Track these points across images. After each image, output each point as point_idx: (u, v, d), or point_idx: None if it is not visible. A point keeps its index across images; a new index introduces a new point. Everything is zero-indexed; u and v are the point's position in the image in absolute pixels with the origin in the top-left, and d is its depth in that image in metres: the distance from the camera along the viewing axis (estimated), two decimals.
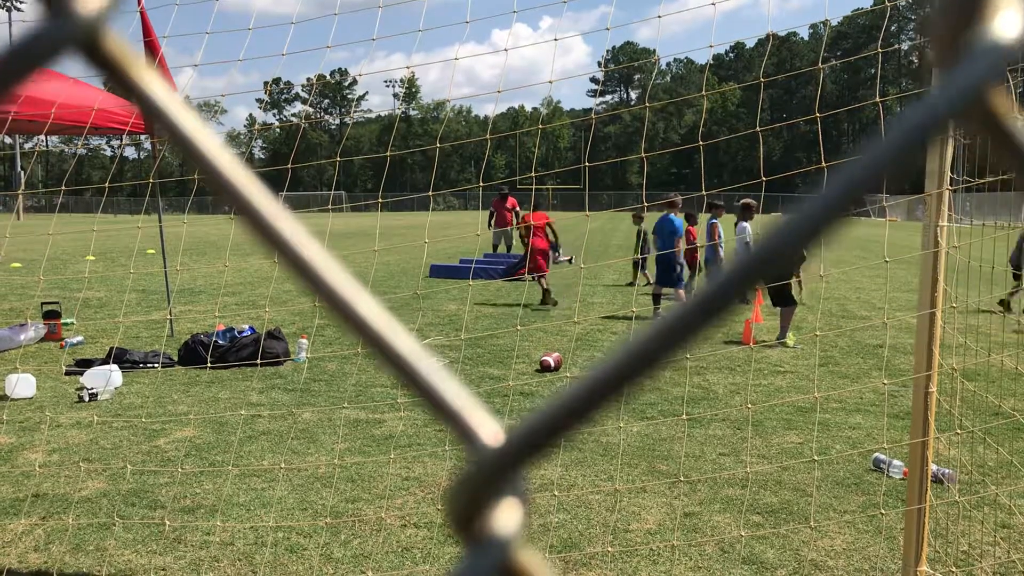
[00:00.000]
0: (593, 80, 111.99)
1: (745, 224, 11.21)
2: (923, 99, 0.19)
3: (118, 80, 0.29)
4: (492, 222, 19.16)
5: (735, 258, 0.25)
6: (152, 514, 4.68)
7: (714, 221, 13.17)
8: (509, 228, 18.63)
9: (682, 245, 11.85)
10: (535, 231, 14.33)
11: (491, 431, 0.30)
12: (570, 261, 19.08)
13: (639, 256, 14.36)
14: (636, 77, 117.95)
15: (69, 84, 6.20)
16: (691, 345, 0.26)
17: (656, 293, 12.16)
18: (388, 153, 3.01)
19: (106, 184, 4.11)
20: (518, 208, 18.96)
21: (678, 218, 11.83)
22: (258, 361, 7.18)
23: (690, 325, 0.25)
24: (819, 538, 4.37)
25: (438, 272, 17.37)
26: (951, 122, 0.19)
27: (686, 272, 12.69)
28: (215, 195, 0.30)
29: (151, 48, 7.20)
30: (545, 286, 13.18)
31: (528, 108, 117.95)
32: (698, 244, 13.49)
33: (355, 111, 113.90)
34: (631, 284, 15.83)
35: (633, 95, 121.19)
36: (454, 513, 0.28)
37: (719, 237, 12.97)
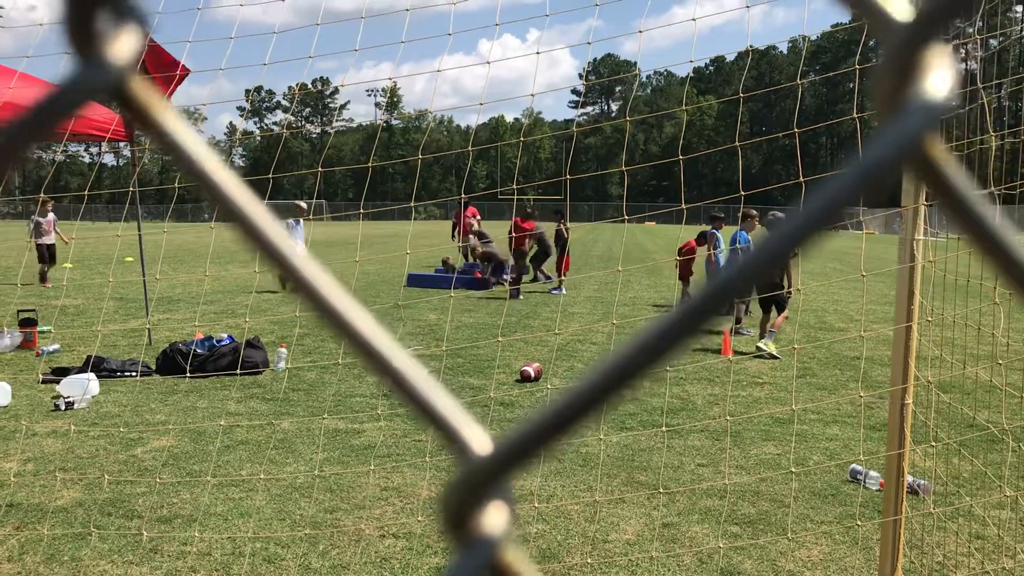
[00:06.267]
0: (575, 92, 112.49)
1: (744, 233, 11.28)
2: (866, 147, 0.21)
3: (141, 120, 0.31)
4: (456, 233, 19.39)
5: (719, 271, 0.27)
6: (128, 524, 4.64)
7: (713, 231, 13.33)
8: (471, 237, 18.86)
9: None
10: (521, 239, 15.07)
11: (480, 440, 0.32)
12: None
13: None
14: (617, 89, 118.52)
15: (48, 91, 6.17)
16: (674, 357, 0.28)
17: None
18: (370, 164, 3.02)
19: (85, 191, 4.09)
20: (478, 216, 19.30)
21: (743, 233, 11.69)
22: (238, 371, 7.14)
23: (672, 337, 0.27)
24: (796, 549, 4.40)
25: (414, 282, 17.39)
26: (891, 167, 0.21)
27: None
28: (235, 231, 0.31)
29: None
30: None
31: (509, 119, 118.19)
32: (691, 257, 13.59)
33: (337, 120, 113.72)
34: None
35: (614, 107, 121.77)
36: (445, 516, 0.31)
37: (717, 248, 13.13)
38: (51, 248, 17.44)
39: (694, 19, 3.15)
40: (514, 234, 15.96)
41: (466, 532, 0.31)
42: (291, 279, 0.33)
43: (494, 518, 0.31)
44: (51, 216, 17.68)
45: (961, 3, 0.21)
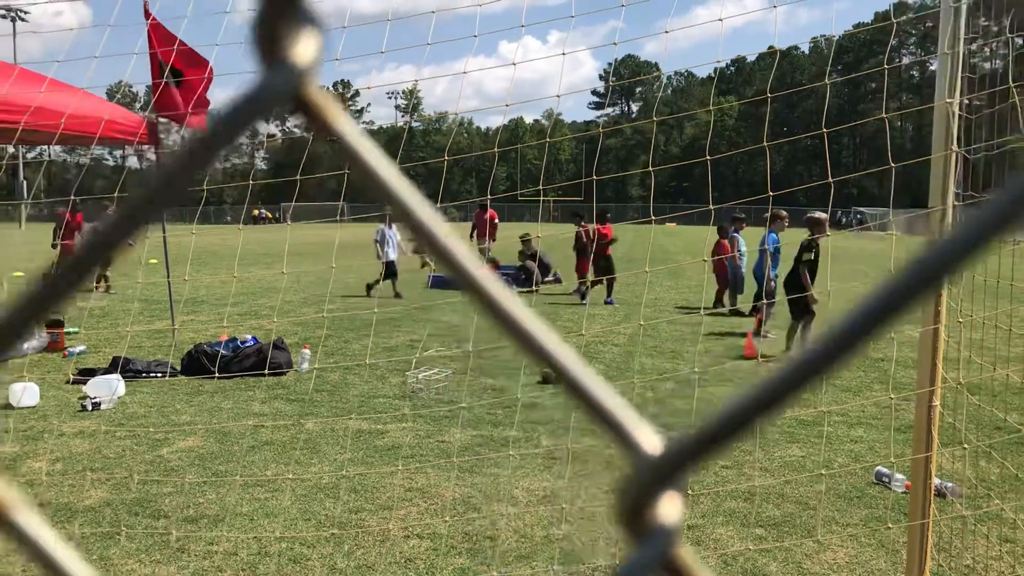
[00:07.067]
0: (595, 93, 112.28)
1: (774, 234, 11.23)
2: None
3: (318, 124, 0.31)
4: (474, 235, 19.39)
5: (883, 287, 0.27)
6: (156, 524, 4.68)
7: (735, 234, 13.27)
8: (491, 240, 18.77)
9: (768, 259, 11.68)
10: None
11: (651, 441, 0.32)
12: (557, 280, 18.62)
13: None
14: (638, 90, 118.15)
15: (79, 96, 6.28)
16: (839, 368, 0.29)
17: (755, 306, 12.29)
18: (396, 166, 3.03)
19: (115, 194, 4.14)
20: (496, 220, 19.22)
21: (773, 234, 11.63)
22: (265, 371, 7.20)
23: (847, 345, 0.28)
24: (822, 551, 4.38)
25: (438, 283, 17.40)
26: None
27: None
28: (407, 231, 0.32)
29: (162, 59, 7.28)
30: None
31: (528, 120, 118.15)
32: (720, 257, 13.56)
33: (358, 123, 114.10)
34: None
35: (634, 107, 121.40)
36: (619, 512, 0.32)
37: (739, 250, 13.07)
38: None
39: (720, 19, 3.14)
40: (596, 241, 15.64)
41: (640, 527, 0.32)
42: (460, 280, 0.33)
43: (669, 509, 0.32)
44: None
45: None
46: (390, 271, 15.73)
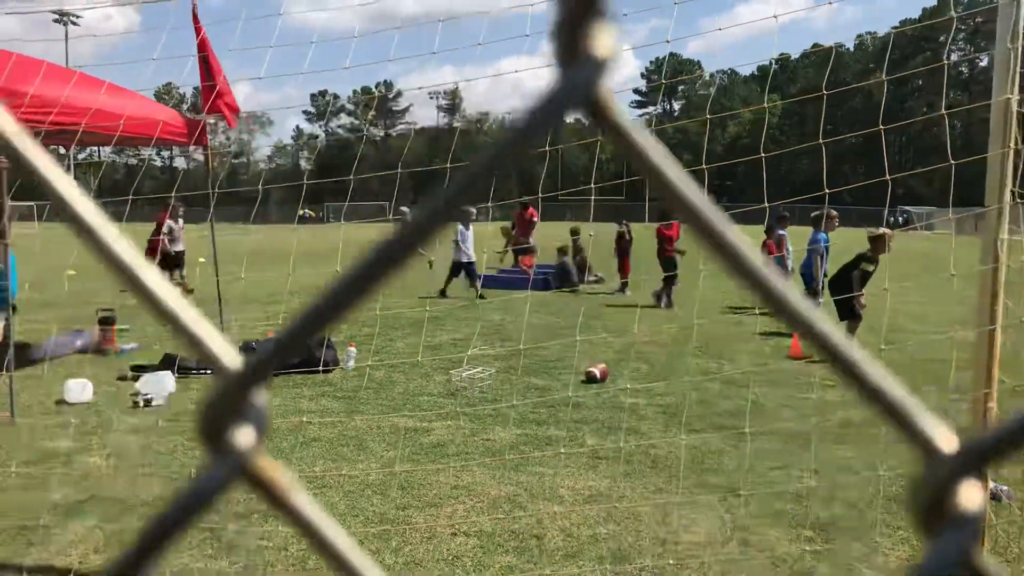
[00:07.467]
0: (637, 92, 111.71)
1: (824, 234, 11.09)
2: None
3: (607, 123, 0.32)
4: (514, 233, 19.40)
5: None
6: (208, 519, 4.76)
7: (782, 233, 13.12)
8: (529, 238, 18.77)
9: (818, 260, 11.52)
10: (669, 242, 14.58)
11: (946, 438, 0.33)
12: (599, 280, 18.48)
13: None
14: (680, 88, 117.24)
15: (135, 99, 6.43)
16: None
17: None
18: (448, 165, 3.06)
19: (172, 194, 4.23)
20: (535, 219, 19.15)
21: (823, 234, 11.48)
22: (319, 368, 7.33)
23: None
24: (873, 554, 4.32)
25: (488, 283, 17.41)
26: None
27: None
28: (690, 227, 0.33)
29: (208, 63, 7.39)
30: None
31: (568, 119, 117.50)
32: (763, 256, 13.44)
33: (399, 123, 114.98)
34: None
35: (676, 106, 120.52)
36: (917, 511, 0.32)
37: (787, 248, 12.93)
38: (181, 254, 17.18)
39: (775, 16, 3.12)
40: (659, 241, 15.37)
41: (939, 523, 0.32)
42: (746, 281, 0.34)
43: (968, 497, 0.32)
44: (182, 221, 17.66)
45: None
46: (468, 271, 15.56)
